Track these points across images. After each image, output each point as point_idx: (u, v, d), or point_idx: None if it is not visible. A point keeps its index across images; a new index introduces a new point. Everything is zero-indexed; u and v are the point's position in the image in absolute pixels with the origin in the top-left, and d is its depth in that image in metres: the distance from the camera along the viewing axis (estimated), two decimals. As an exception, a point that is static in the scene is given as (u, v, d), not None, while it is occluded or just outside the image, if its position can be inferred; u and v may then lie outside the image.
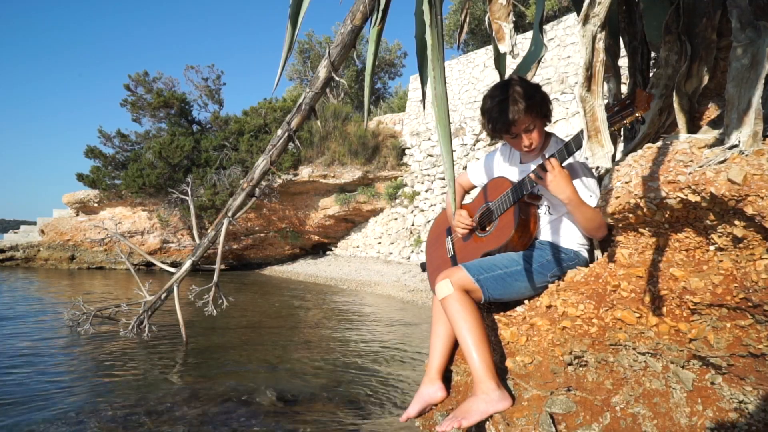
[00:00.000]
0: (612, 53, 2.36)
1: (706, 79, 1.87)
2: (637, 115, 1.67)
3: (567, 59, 12.82)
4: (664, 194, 1.56)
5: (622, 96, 2.44)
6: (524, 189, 2.11)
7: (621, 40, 2.41)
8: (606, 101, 2.38)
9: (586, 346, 1.78)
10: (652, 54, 2.33)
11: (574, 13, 11.71)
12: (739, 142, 1.47)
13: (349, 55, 3.65)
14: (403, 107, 20.86)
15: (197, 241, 5.74)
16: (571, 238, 2.15)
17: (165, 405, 3.23)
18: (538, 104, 2.11)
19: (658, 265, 1.69)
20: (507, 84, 2.12)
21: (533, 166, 2.17)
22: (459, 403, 1.99)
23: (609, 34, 2.31)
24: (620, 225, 1.80)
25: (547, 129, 2.22)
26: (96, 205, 18.31)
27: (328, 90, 21.45)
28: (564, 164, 1.97)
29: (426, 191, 16.03)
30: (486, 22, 1.93)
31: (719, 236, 1.54)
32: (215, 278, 5.31)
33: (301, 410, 3.16)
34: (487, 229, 2.29)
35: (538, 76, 12.84)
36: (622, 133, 2.37)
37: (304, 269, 16.85)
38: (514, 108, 2.04)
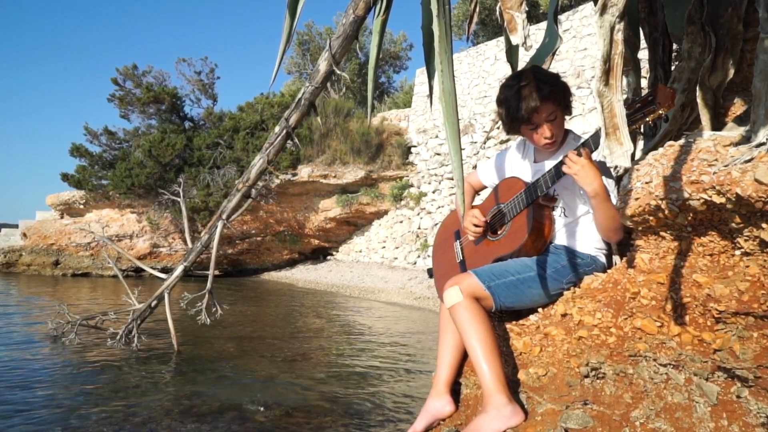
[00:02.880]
0: (631, 45, 2.37)
1: (731, 72, 1.88)
2: (660, 112, 1.66)
3: (583, 51, 12.81)
4: (686, 195, 1.57)
5: (642, 91, 2.45)
6: (539, 190, 2.10)
7: (641, 31, 2.42)
8: (625, 96, 2.38)
9: (603, 357, 1.78)
10: (674, 46, 2.33)
11: (591, 3, 11.67)
12: (767, 139, 1.47)
13: (351, 47, 3.66)
14: (408, 103, 20.87)
15: (190, 245, 5.76)
16: (588, 242, 2.15)
17: (155, 420, 3.24)
18: (561, 91, 2.09)
19: (681, 271, 1.69)
20: (525, 72, 2.11)
21: (548, 165, 2.17)
22: (468, 418, 1.99)
23: (628, 24, 2.31)
24: (640, 228, 1.80)
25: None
26: (82, 206, 18.37)
27: (328, 84, 21.51)
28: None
29: (433, 192, 16.04)
30: (497, 12, 1.93)
31: (745, 240, 1.55)
32: (209, 285, 5.32)
33: (298, 425, 3.17)
34: (499, 232, 2.29)
35: (553, 69, 12.77)
36: (642, 130, 2.37)
37: (303, 275, 16.87)
38: (536, 94, 2.02)
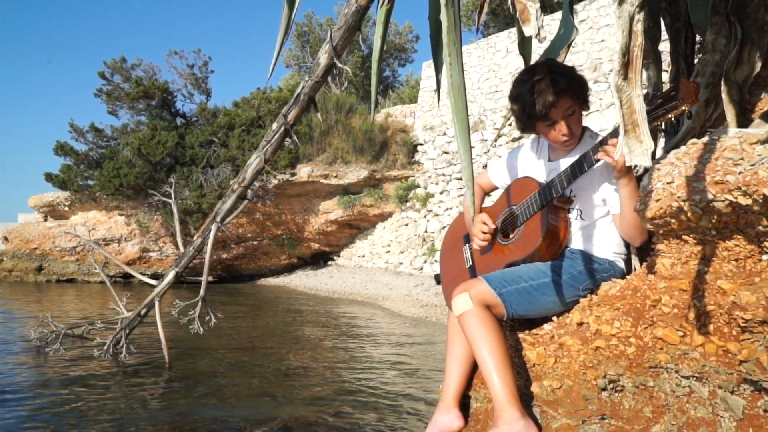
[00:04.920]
0: (652, 37, 2.37)
1: (758, 66, 1.88)
2: (683, 108, 1.67)
3: (601, 43, 12.81)
4: (710, 196, 1.57)
5: (664, 85, 2.45)
6: (554, 190, 2.10)
7: (662, 21, 2.42)
8: (645, 91, 2.39)
9: (622, 369, 1.78)
10: (698, 38, 2.34)
11: (610, -9, 11.65)
12: (796, 137, 1.47)
13: (353, 39, 3.68)
14: (414, 98, 20.89)
15: (182, 249, 5.78)
16: (606, 247, 2.15)
17: (145, 435, 3.25)
18: (579, 84, 2.09)
19: (704, 277, 1.70)
20: (540, 65, 2.12)
21: (563, 164, 2.17)
22: (478, 433, 1.99)
23: (648, 14, 2.32)
24: (661, 231, 1.81)
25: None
26: (66, 208, 18.42)
27: (329, 78, 21.52)
28: (600, 163, 1.97)
29: (441, 193, 16.04)
30: (509, 2, 1.94)
31: (774, 244, 1.55)
32: (202, 292, 5.33)
33: (298, 441, 3.18)
34: (511, 236, 2.29)
35: (568, 62, 12.77)
36: (663, 127, 2.38)
37: (302, 281, 16.88)
38: (554, 88, 2.01)
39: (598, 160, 1.94)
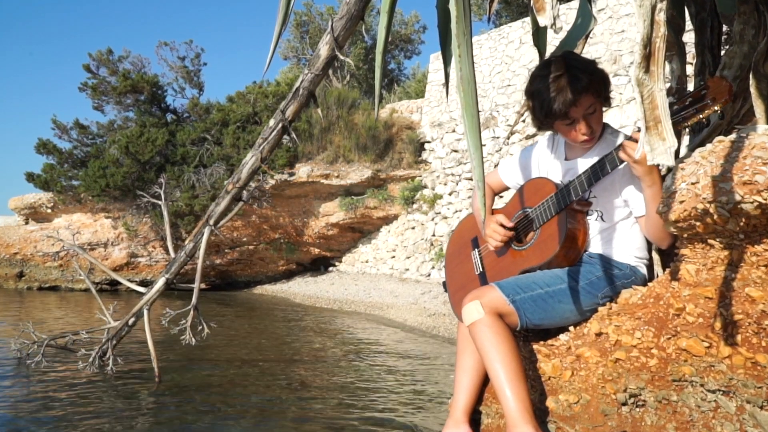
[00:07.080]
0: (675, 27, 2.37)
1: (789, 58, 1.88)
2: (715, 108, 1.67)
3: (621, 34, 12.80)
4: (738, 198, 1.57)
5: (688, 79, 2.45)
6: (573, 193, 2.10)
7: (686, 11, 2.42)
8: (668, 85, 2.39)
9: (644, 383, 1.79)
10: (724, 28, 2.34)
11: (631, -23, 11.63)
12: (830, 134, 1.47)
13: (356, 29, 3.69)
14: (421, 92, 20.89)
15: (172, 254, 5.79)
16: (627, 251, 2.15)
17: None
18: (600, 81, 2.10)
19: (732, 284, 1.70)
20: (558, 59, 2.12)
21: (581, 163, 2.18)
22: (489, 451, 2.00)
23: (672, 3, 2.32)
24: (685, 235, 1.81)
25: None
26: (49, 211, 18.46)
27: (330, 71, 21.53)
28: (623, 164, 1.97)
29: (449, 194, 16.03)
30: (522, -10, 1.94)
31: (806, 249, 1.55)
32: (194, 300, 5.34)
33: (297, 460, 3.18)
34: (525, 241, 2.29)
35: (586, 54, 12.72)
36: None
37: (301, 289, 16.88)
38: (574, 85, 2.02)
39: (622, 162, 1.94)
